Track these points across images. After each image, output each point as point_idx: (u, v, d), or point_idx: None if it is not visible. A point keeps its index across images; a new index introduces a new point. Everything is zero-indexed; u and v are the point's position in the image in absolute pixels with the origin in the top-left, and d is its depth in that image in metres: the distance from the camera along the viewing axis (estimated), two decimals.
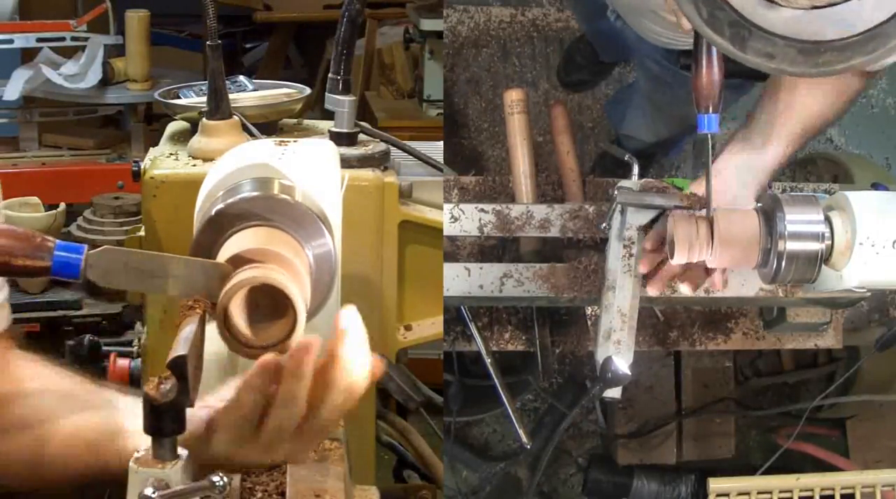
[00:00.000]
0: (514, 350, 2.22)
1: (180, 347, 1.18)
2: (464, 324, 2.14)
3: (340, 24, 2.05)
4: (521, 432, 2.09)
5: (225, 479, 1.20)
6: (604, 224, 1.96)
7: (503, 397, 2.10)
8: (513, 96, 2.12)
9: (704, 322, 2.23)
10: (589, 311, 2.18)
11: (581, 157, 2.20)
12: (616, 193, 1.89)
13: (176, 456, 1.19)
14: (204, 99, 2.09)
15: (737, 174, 1.88)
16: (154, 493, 1.16)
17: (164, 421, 1.17)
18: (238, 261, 1.28)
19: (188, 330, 1.22)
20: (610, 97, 3.25)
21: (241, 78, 2.37)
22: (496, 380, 2.10)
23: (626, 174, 2.05)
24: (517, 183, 2.10)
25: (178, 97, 2.30)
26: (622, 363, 1.89)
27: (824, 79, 1.84)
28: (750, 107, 1.97)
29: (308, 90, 2.34)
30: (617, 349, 1.87)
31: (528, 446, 2.13)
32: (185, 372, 1.16)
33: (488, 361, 2.11)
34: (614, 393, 1.89)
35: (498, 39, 3.35)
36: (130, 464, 1.18)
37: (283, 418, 1.28)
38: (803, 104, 1.89)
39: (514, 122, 2.11)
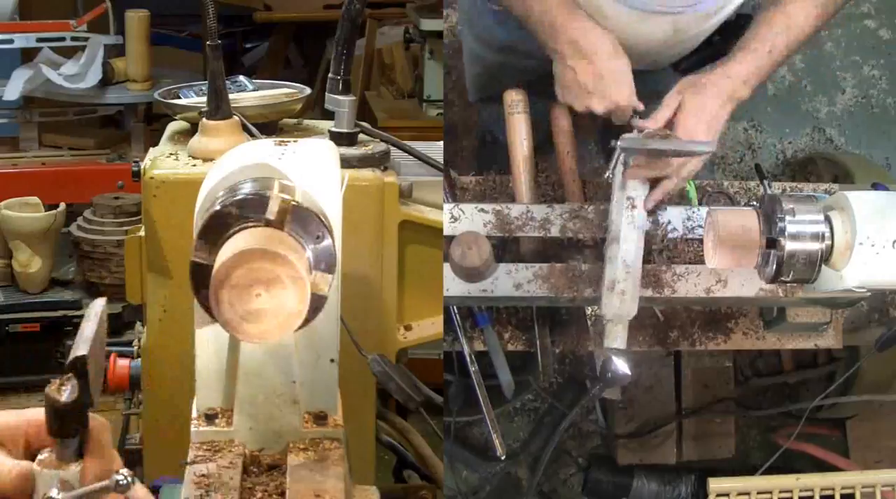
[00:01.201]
0: (515, 350, 2.22)
1: (80, 347, 1.16)
2: (460, 325, 2.14)
3: (340, 24, 2.05)
4: (496, 441, 2.09)
5: (129, 478, 1.18)
6: (607, 174, 1.96)
7: (482, 403, 2.10)
8: (512, 96, 2.11)
9: (704, 322, 2.23)
10: (589, 311, 2.18)
11: (581, 158, 2.19)
12: (619, 141, 1.89)
13: (79, 457, 1.18)
14: (204, 99, 2.09)
15: (713, 91, 1.92)
16: (59, 494, 1.14)
17: (66, 422, 1.16)
18: (239, 260, 1.28)
19: (89, 328, 1.21)
20: None
21: (241, 78, 2.36)
22: (476, 384, 2.10)
23: None
24: (517, 183, 2.10)
25: (179, 97, 2.30)
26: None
27: None
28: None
29: (308, 90, 2.34)
30: (621, 300, 1.87)
31: (502, 457, 2.14)
32: (85, 371, 1.14)
33: (473, 369, 2.11)
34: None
35: None
36: (34, 466, 1.17)
37: None
38: (788, 14, 1.97)
39: (514, 123, 2.11)
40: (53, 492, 1.14)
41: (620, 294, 1.88)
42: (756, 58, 1.96)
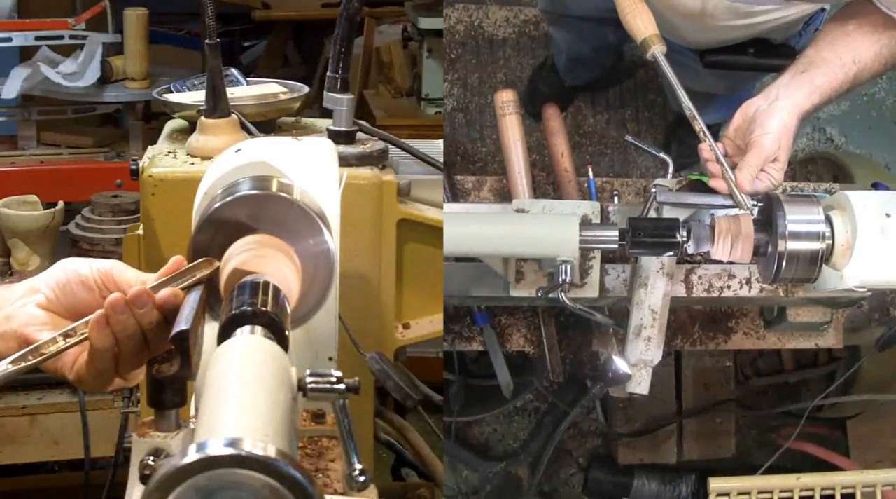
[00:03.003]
0: (519, 350, 2.22)
1: (183, 322, 1.19)
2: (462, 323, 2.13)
3: (339, 22, 2.04)
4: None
5: None
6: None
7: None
8: (503, 97, 2.10)
9: (705, 322, 2.22)
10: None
11: (580, 158, 2.19)
12: (654, 190, 1.88)
13: (178, 427, 1.22)
14: (196, 93, 2.08)
15: (783, 95, 1.85)
16: (154, 462, 1.19)
17: (166, 394, 1.20)
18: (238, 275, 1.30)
19: (191, 301, 1.23)
20: None
21: (233, 71, 2.35)
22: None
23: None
24: (513, 183, 2.09)
25: (171, 92, 2.29)
26: (622, 363, 1.89)
27: (880, 30, 1.88)
28: None
29: (306, 88, 2.33)
30: (647, 346, 1.88)
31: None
32: (187, 346, 1.17)
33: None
34: (620, 391, 1.90)
35: (495, 39, 3.34)
36: (133, 435, 1.23)
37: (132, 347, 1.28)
38: (855, 46, 1.89)
39: (506, 123, 2.10)
40: (150, 460, 1.18)
41: (646, 340, 1.89)
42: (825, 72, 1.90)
